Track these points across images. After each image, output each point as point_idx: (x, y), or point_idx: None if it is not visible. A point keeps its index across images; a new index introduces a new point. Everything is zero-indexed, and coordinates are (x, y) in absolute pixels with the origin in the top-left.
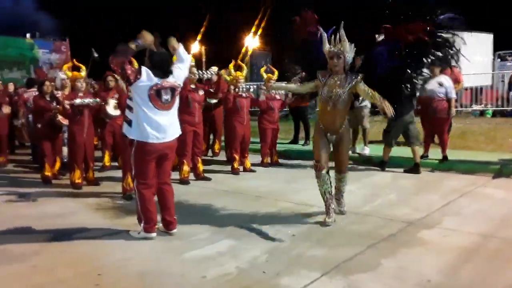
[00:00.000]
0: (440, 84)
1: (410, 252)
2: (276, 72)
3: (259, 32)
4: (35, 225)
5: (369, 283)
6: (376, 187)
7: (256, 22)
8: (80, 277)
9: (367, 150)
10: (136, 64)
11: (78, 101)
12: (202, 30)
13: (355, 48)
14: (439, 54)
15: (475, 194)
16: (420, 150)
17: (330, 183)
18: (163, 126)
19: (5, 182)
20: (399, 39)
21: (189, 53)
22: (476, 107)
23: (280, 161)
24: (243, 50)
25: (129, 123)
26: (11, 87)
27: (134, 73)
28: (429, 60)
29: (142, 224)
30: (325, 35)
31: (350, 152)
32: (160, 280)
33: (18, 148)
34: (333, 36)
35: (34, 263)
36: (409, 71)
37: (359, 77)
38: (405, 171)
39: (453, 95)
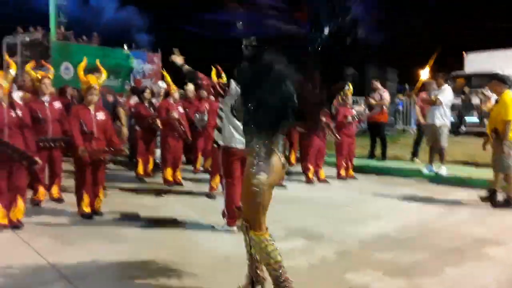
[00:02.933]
0: None
1: (474, 265)
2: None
3: None
4: (135, 213)
5: (430, 286)
6: (450, 205)
7: None
8: (173, 257)
9: (444, 170)
10: (224, 79)
11: (176, 115)
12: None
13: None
14: None
15: None
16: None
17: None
18: None
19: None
20: None
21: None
22: None
23: (356, 175)
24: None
25: (219, 130)
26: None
27: (223, 88)
28: None
29: (225, 219)
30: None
31: (426, 170)
32: (242, 261)
33: None
34: None
35: (135, 244)
36: None
37: None
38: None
39: None
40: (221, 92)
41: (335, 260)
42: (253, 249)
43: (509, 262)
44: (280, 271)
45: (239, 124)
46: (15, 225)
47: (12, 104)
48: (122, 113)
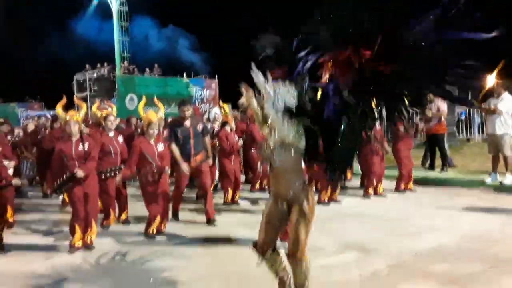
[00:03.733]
0: None
1: None
2: None
3: None
4: (196, 232)
5: None
6: None
7: None
8: (230, 274)
9: (509, 179)
10: None
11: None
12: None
13: (293, 89)
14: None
15: None
16: None
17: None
18: None
19: None
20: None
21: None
22: None
23: (415, 187)
24: None
25: None
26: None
27: None
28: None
29: None
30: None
31: (490, 179)
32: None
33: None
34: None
35: (196, 260)
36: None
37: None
38: None
39: None
40: None
41: (388, 273)
42: (296, 275)
43: None
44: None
45: None
46: (87, 246)
47: (82, 138)
48: None
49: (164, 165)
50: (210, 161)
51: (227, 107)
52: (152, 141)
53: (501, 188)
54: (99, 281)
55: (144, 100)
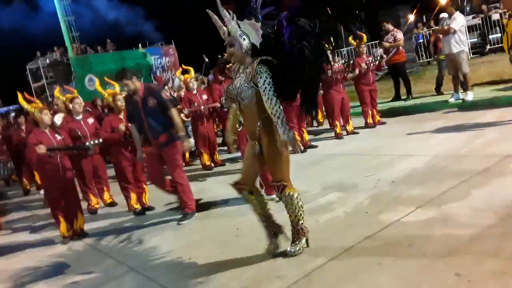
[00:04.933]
0: None
1: (501, 181)
2: None
3: None
4: None
5: (459, 210)
6: (478, 128)
7: None
8: (224, 231)
9: (470, 95)
10: None
11: (193, 108)
12: None
13: (259, 24)
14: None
15: None
16: None
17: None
18: None
19: None
20: None
21: None
22: None
23: (384, 119)
24: None
25: None
26: None
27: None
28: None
29: (263, 189)
30: (215, 16)
31: (453, 99)
32: (284, 227)
33: None
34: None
35: (204, 226)
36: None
37: (255, 63)
38: None
39: None
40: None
41: (369, 204)
42: (286, 205)
43: None
44: (303, 220)
45: None
46: (79, 235)
47: (54, 129)
48: None
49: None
50: (191, 140)
51: (191, 71)
52: (121, 116)
53: (464, 106)
54: (101, 264)
55: (97, 80)
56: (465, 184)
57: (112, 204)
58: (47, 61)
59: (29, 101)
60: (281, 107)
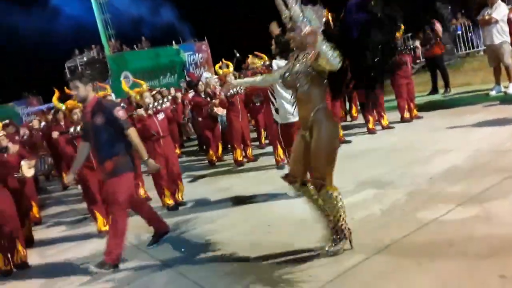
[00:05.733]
0: None
1: None
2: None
3: None
4: (214, 196)
5: (502, 208)
6: None
7: None
8: (255, 228)
9: None
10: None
11: (232, 91)
12: None
13: (323, 11)
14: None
15: None
16: None
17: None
18: None
19: (182, 169)
20: None
21: None
22: None
23: (421, 114)
24: None
25: (276, 111)
26: (172, 91)
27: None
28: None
29: None
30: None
31: (494, 91)
32: (316, 224)
33: (186, 142)
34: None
35: (235, 222)
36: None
37: (317, 45)
38: None
39: None
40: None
41: (406, 202)
42: (325, 203)
43: None
44: (344, 222)
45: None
46: None
47: None
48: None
49: (165, 134)
50: (153, 165)
51: (231, 66)
52: (150, 112)
53: (506, 99)
54: (134, 259)
55: (122, 81)
56: (509, 181)
57: (147, 199)
58: (85, 59)
59: (68, 97)
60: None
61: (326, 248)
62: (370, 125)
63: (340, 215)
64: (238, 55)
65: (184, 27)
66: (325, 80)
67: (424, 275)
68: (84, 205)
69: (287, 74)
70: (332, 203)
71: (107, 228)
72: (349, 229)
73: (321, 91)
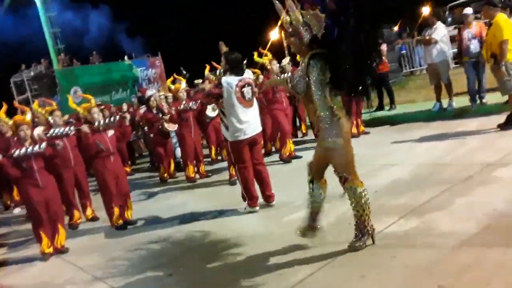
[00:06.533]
0: None
1: (483, 190)
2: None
3: None
4: (166, 214)
5: (441, 219)
6: (461, 137)
7: None
8: (207, 245)
9: (453, 104)
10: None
11: (181, 106)
12: None
13: (323, 16)
14: None
15: None
16: None
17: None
18: (250, 122)
19: (134, 186)
20: None
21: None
22: None
23: (368, 129)
24: None
25: (226, 127)
26: (124, 107)
27: (217, 89)
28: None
29: (246, 201)
30: (278, 4)
31: (435, 108)
32: (266, 239)
33: (138, 159)
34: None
35: (171, 242)
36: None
37: (306, 58)
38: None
39: None
40: (217, 94)
41: (351, 215)
42: (349, 199)
43: None
44: (367, 217)
45: (241, 116)
46: (60, 251)
47: (35, 142)
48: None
49: (114, 151)
50: None
51: (183, 82)
52: (101, 128)
53: (446, 115)
54: (81, 283)
55: (69, 97)
56: (448, 193)
57: (94, 219)
58: (32, 73)
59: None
60: (330, 111)
61: (350, 242)
62: None
63: (364, 211)
64: (184, 72)
65: (136, 42)
66: (326, 83)
67: None
68: (25, 226)
69: (291, 79)
70: (356, 199)
71: (51, 250)
72: (372, 225)
73: (321, 95)
